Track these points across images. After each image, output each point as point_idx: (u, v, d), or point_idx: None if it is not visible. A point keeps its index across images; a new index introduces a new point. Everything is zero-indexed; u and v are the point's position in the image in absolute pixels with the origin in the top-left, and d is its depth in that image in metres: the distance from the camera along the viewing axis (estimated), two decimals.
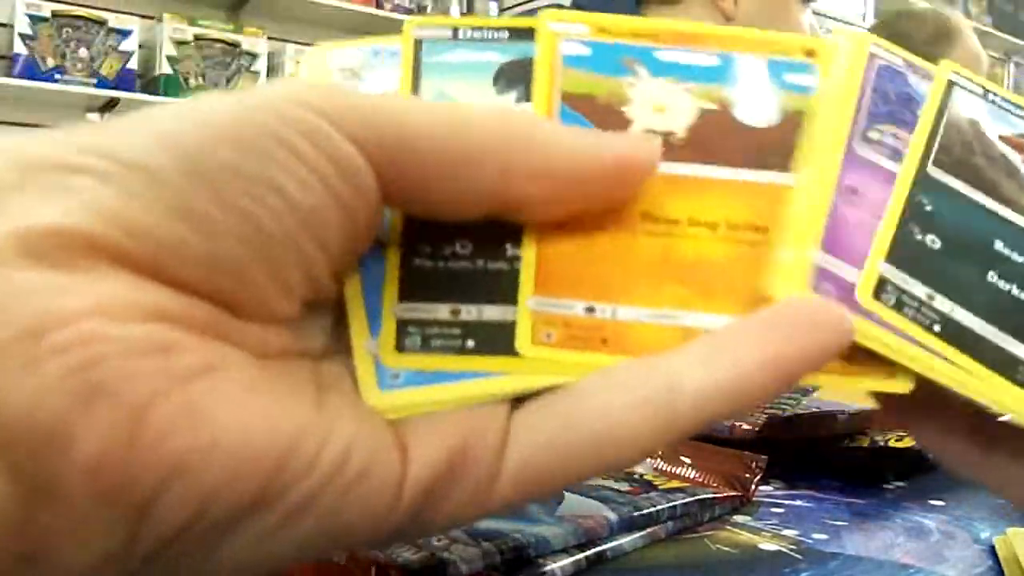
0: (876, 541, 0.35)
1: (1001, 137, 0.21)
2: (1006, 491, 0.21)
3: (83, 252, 0.14)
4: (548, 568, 0.28)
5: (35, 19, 2.16)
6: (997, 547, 0.34)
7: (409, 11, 2.62)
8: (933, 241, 0.20)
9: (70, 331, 0.13)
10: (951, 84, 0.22)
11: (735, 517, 0.37)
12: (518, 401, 0.18)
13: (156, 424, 0.13)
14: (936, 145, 0.21)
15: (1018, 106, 0.22)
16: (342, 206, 0.16)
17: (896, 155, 0.21)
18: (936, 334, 0.19)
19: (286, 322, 0.17)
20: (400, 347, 0.18)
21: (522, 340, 0.18)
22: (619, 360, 0.18)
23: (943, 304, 0.19)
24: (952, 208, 0.20)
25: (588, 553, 0.30)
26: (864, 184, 0.20)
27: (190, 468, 0.14)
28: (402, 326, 0.18)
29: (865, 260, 0.19)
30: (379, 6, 2.57)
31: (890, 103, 0.21)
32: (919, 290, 0.19)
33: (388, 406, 0.17)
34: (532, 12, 1.23)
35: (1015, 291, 0.19)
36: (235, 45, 2.37)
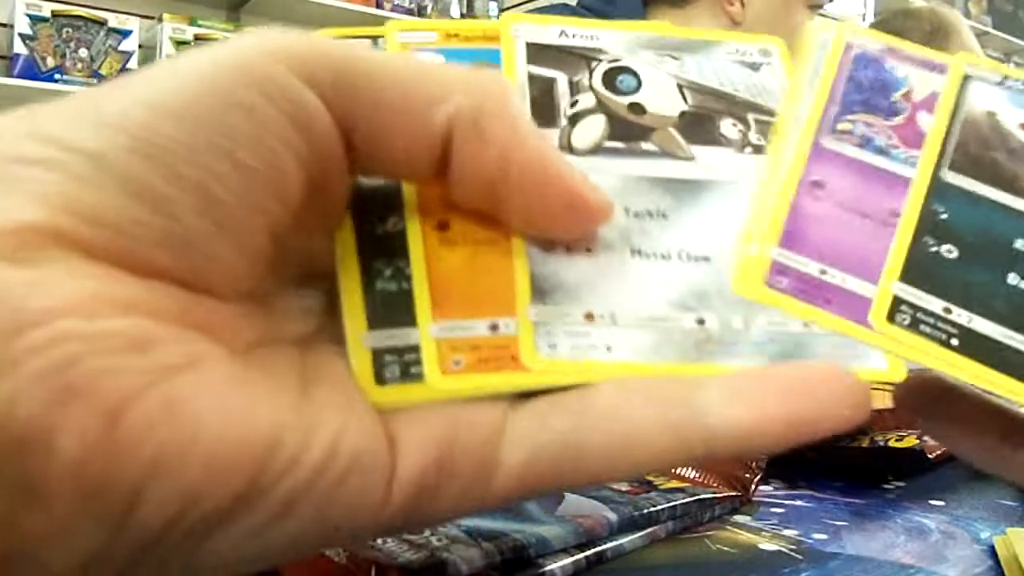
0: (876, 541, 0.35)
1: (1022, 125, 0.21)
2: None
3: (48, 246, 0.14)
4: (548, 568, 0.28)
5: (35, 19, 2.16)
6: (997, 547, 0.34)
7: (409, 11, 2.62)
8: (950, 251, 0.19)
9: (44, 331, 0.13)
10: (966, 77, 0.22)
11: (735, 517, 0.37)
12: (522, 397, 0.17)
13: (135, 422, 0.13)
14: (951, 147, 0.21)
15: None
16: (301, 162, 0.16)
17: (866, 143, 0.21)
18: (954, 348, 0.18)
19: (265, 301, 0.17)
20: (380, 379, 0.17)
21: (430, 372, 0.17)
22: (533, 377, 0.17)
23: (960, 316, 0.19)
24: (969, 213, 0.20)
25: (588, 553, 0.30)
26: (829, 176, 0.20)
27: (171, 466, 0.13)
28: (378, 356, 0.17)
29: (824, 252, 0.19)
30: (379, 6, 2.57)
31: (864, 91, 0.21)
32: (935, 305, 0.19)
33: (388, 401, 0.17)
34: (533, 12, 1.23)
35: None
36: None
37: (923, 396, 0.21)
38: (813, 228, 0.19)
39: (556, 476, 0.17)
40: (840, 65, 0.22)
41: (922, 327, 0.19)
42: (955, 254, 0.19)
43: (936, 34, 1.53)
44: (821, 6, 1.15)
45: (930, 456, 0.43)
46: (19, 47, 2.13)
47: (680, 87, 0.21)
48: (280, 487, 0.15)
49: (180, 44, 2.29)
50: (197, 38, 2.31)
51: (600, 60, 0.21)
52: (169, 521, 0.14)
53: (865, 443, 0.44)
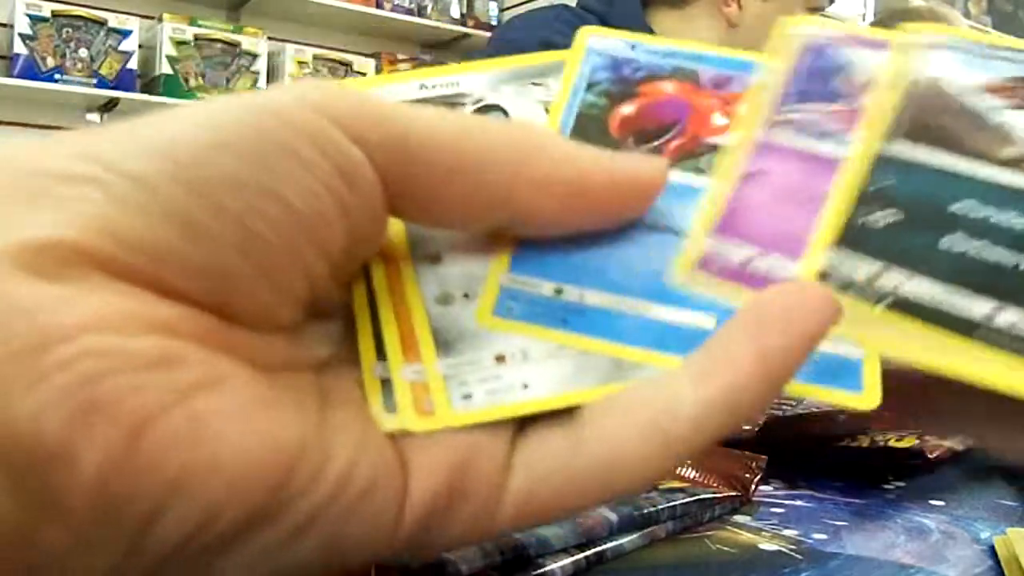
0: (876, 541, 0.35)
1: (983, 87, 0.21)
2: None
3: (80, 264, 0.14)
4: (548, 568, 0.28)
5: (35, 19, 2.16)
6: (997, 547, 0.34)
7: (409, 11, 2.62)
8: (888, 216, 0.19)
9: (71, 346, 0.13)
10: (916, 45, 0.21)
11: (735, 517, 0.37)
12: (525, 423, 0.17)
13: (157, 439, 0.13)
14: (895, 115, 0.20)
15: (999, 48, 0.21)
16: (345, 212, 0.16)
17: (809, 130, 0.20)
18: (884, 307, 0.18)
19: (289, 331, 0.17)
20: (389, 407, 0.17)
21: (405, 412, 0.17)
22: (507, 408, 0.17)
23: (893, 278, 0.18)
24: (909, 180, 0.19)
25: (588, 553, 0.30)
26: (769, 167, 0.20)
27: (191, 483, 0.14)
28: (386, 385, 0.17)
29: (759, 238, 0.19)
30: (379, 6, 2.57)
31: (811, 80, 0.21)
32: (866, 268, 0.18)
33: (395, 428, 0.17)
34: (534, 11, 1.23)
35: (975, 247, 0.18)
36: (235, 45, 2.37)
37: (906, 396, 0.21)
38: (749, 216, 0.19)
39: (558, 502, 0.17)
40: (789, 58, 0.22)
41: (851, 291, 0.18)
42: (889, 220, 0.19)
43: None
44: (821, 9, 1.15)
45: (930, 456, 0.43)
46: (19, 47, 2.13)
47: (547, 110, 0.22)
48: (297, 507, 0.15)
49: (180, 44, 2.29)
50: (197, 38, 2.31)
51: (465, 103, 0.22)
52: (187, 537, 0.14)
53: (865, 443, 0.44)
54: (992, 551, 0.34)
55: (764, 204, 0.20)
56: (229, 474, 0.14)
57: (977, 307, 0.18)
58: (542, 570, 0.28)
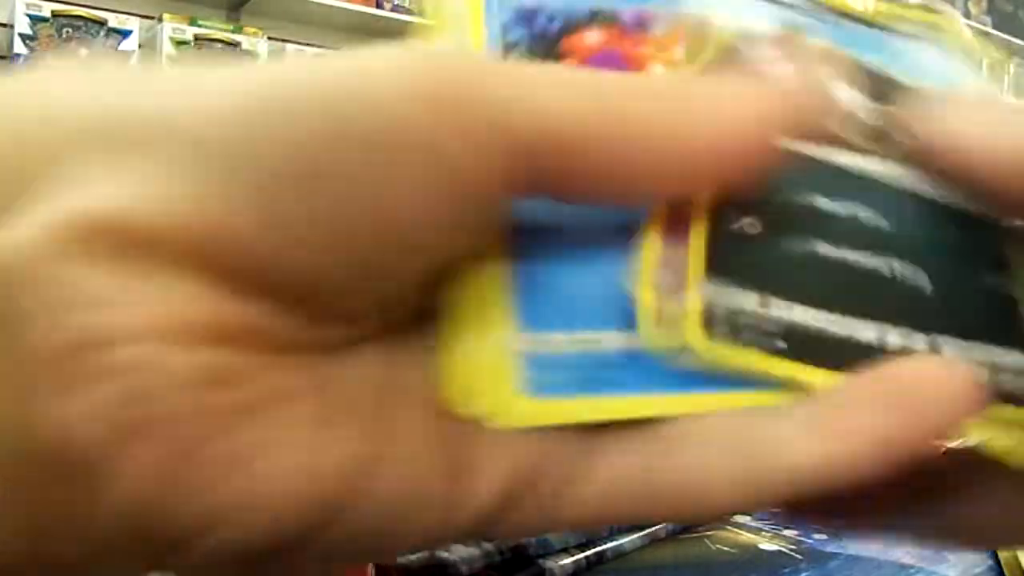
0: (876, 541, 0.35)
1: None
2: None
3: (144, 249, 0.12)
4: (548, 568, 0.28)
5: (35, 19, 2.16)
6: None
7: (409, 11, 2.62)
8: (752, 224, 0.15)
9: (119, 354, 0.11)
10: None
11: (735, 517, 0.37)
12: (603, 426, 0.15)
13: (196, 470, 0.12)
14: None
15: None
16: (458, 224, 0.13)
17: None
18: (782, 353, 0.15)
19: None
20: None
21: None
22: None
23: (779, 309, 0.15)
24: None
25: (588, 553, 0.30)
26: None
27: (227, 517, 0.12)
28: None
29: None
30: (379, 6, 2.57)
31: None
32: (750, 300, 0.15)
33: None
34: None
35: (848, 256, 0.16)
36: (235, 45, 2.37)
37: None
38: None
39: (619, 515, 0.15)
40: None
41: (744, 334, 0.15)
42: (758, 227, 0.15)
43: None
44: None
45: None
46: (19, 47, 2.13)
47: None
48: (344, 523, 0.14)
49: (180, 44, 2.29)
50: (197, 38, 2.31)
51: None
52: (219, 559, 0.13)
53: None
54: (992, 551, 0.34)
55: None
56: (268, 509, 0.13)
57: (865, 332, 0.15)
58: (542, 570, 0.28)
